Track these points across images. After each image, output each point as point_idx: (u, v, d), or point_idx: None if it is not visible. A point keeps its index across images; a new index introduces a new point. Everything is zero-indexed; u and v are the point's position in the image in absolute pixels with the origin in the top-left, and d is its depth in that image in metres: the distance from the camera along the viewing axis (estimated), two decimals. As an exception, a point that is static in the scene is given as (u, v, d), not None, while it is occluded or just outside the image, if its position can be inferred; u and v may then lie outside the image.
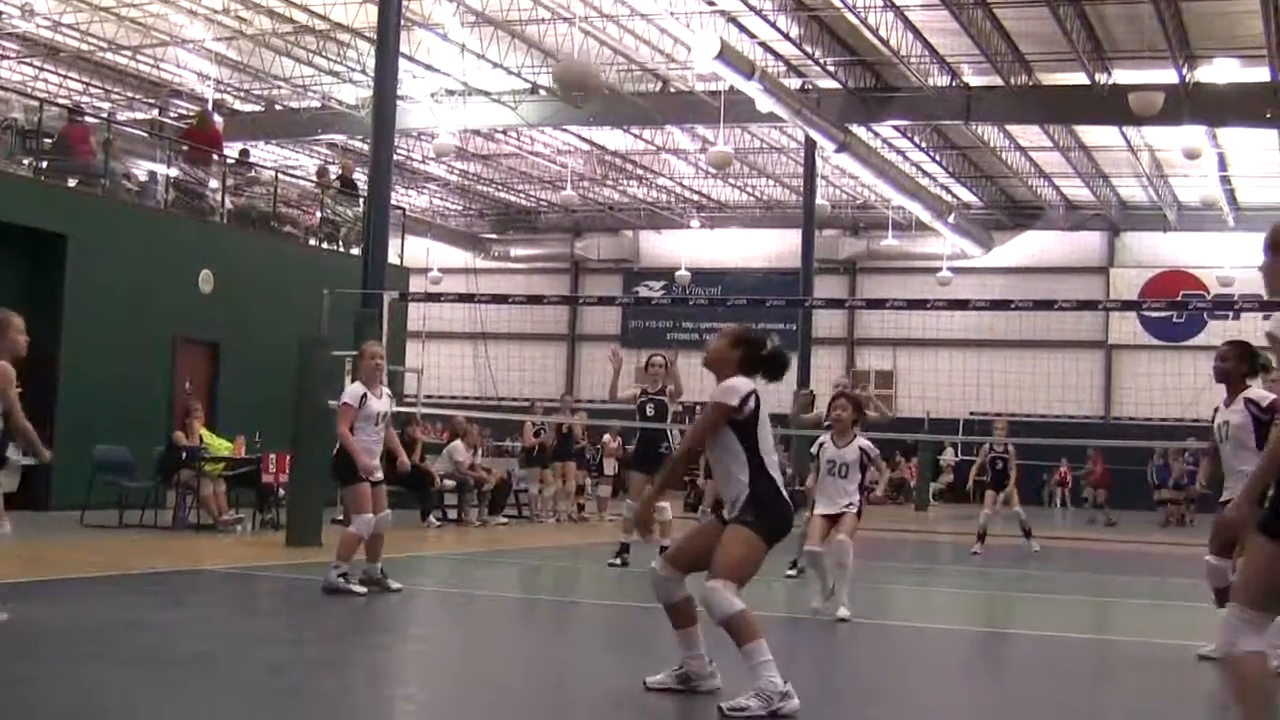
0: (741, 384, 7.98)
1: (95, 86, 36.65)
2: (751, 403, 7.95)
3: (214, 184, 26.53)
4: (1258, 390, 10.36)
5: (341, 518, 13.31)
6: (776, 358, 8.24)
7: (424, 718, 7.95)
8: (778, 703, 7.52)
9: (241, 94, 37.14)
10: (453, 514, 24.39)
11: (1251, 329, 37.45)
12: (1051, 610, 15.17)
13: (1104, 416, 46.24)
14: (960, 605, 15.83)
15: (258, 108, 38.11)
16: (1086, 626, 14.03)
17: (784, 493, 8.09)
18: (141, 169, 25.61)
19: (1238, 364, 10.41)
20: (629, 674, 8.66)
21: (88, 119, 26.27)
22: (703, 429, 8.11)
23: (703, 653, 8.22)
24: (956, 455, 42.63)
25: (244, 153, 30.96)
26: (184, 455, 19.90)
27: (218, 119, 31.64)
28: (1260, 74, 29.35)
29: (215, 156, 26.39)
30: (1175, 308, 43.34)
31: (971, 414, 43.18)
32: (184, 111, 36.08)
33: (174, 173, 25.55)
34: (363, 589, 12.66)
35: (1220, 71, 29.95)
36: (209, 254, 24.53)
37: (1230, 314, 38.62)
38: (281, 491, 19.81)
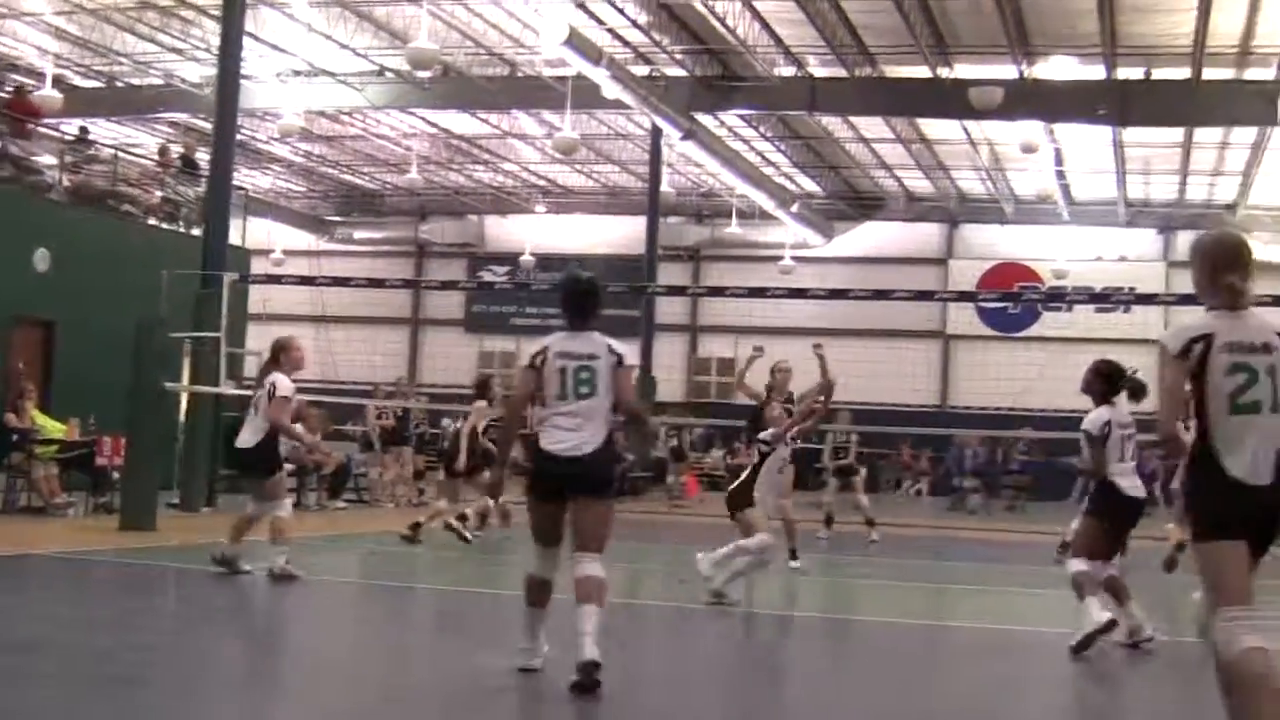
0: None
1: (-72, 59, 35.82)
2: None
3: (51, 161, 26.06)
4: (1092, 415, 11.03)
5: (251, 508, 13.38)
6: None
7: (257, 703, 7.91)
8: None
9: (82, 70, 36.39)
10: (292, 498, 24.16)
11: (1083, 320, 38.42)
12: (890, 596, 15.42)
13: (940, 405, 46.94)
14: (802, 590, 16.03)
15: (98, 84, 37.40)
16: (924, 613, 14.28)
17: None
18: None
19: (1097, 382, 11.17)
20: (463, 657, 8.70)
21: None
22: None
23: None
24: (797, 442, 42.97)
25: (83, 130, 30.43)
26: (15, 438, 19.57)
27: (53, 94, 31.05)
28: (1096, 72, 29.92)
29: (50, 132, 25.92)
30: (1010, 299, 44.06)
31: (811, 402, 43.60)
32: (25, 86, 35.31)
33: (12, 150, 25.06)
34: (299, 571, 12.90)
35: (1057, 68, 30.50)
36: (46, 232, 24.07)
37: (1063, 306, 39.46)
38: (116, 475, 19.54)
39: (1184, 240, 45.55)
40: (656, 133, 36.86)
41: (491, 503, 18.20)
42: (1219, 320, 6.30)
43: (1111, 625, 10.36)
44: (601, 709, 7.95)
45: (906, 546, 21.75)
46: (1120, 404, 11.26)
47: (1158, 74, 30.03)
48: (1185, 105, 30.26)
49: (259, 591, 12.53)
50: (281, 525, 13.11)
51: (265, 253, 44.33)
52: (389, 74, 34.32)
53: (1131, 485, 10.99)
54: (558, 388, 8.58)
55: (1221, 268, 6.43)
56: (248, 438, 13.38)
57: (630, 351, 8.99)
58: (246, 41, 26.48)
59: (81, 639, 9.40)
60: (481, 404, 19.07)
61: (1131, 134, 34.83)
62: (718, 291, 38.02)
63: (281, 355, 13.58)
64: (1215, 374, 6.15)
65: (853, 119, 37.35)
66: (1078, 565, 10.70)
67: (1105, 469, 10.86)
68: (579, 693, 7.90)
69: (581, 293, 9.04)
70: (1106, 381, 11.19)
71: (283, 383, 13.33)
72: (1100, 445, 10.89)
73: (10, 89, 28.80)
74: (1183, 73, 29.36)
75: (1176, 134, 35.36)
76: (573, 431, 8.49)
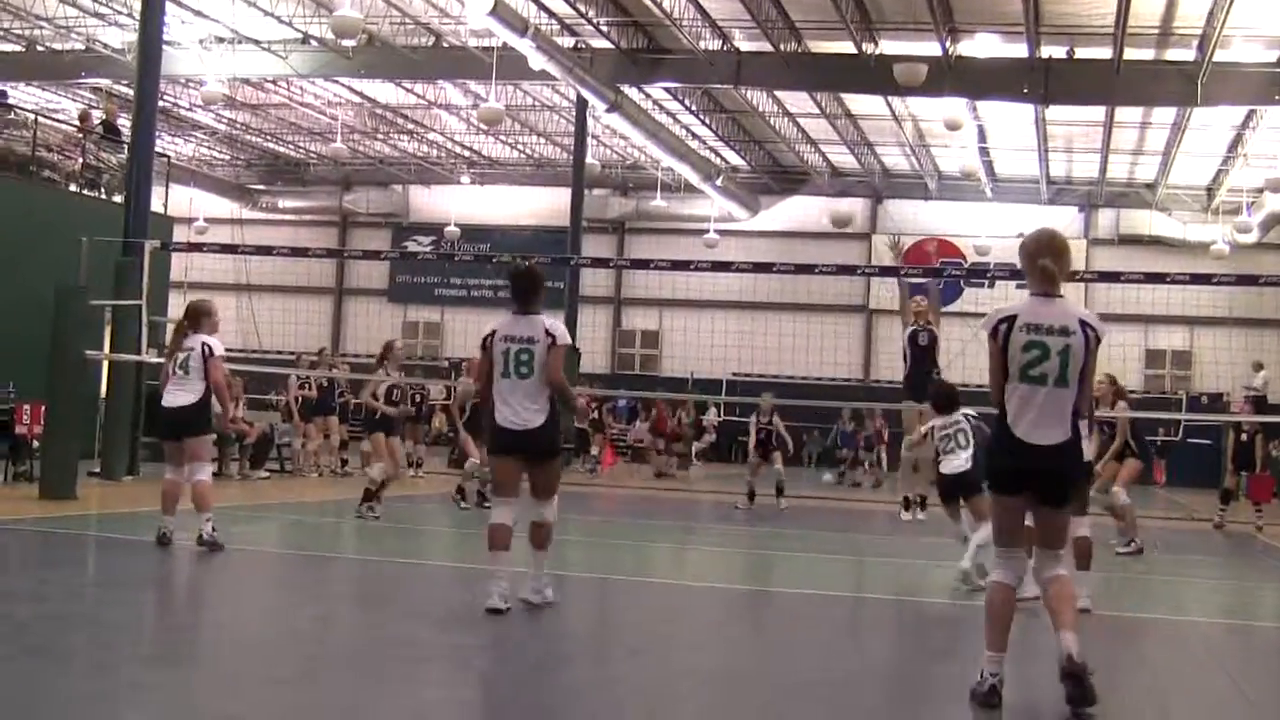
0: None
1: None
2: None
3: (-32, 126, 25.78)
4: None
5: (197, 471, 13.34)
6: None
7: (173, 674, 7.89)
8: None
9: (1, 33, 36.01)
10: (214, 467, 24.06)
11: (1004, 296, 38.66)
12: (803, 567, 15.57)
13: (863, 379, 47.25)
14: (720, 562, 16.15)
15: (18, 48, 36.97)
16: (840, 584, 14.42)
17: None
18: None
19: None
20: (383, 626, 8.72)
21: None
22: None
23: None
24: (720, 415, 43.18)
25: (2, 94, 30.07)
26: (-67, 403, 19.40)
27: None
28: (1019, 50, 30.14)
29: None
30: (933, 274, 44.21)
31: (734, 375, 43.84)
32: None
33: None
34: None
35: (981, 46, 30.71)
36: (-37, 198, 23.82)
37: (985, 282, 39.77)
38: (36, 443, 19.39)
39: (1105, 218, 46.17)
40: (582, 105, 36.87)
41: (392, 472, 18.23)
42: (1025, 304, 7.59)
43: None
44: (525, 675, 8.03)
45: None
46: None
47: (1081, 53, 30.34)
48: (1107, 85, 30.56)
49: (180, 562, 12.49)
50: (205, 490, 13.04)
51: (188, 221, 44.08)
52: (313, 42, 34.12)
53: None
54: (502, 367, 10.03)
55: (1035, 254, 7.65)
56: (185, 397, 13.24)
57: (564, 333, 10.21)
58: (169, 7, 26.28)
59: (-2, 608, 9.34)
60: (380, 372, 18.99)
61: (1054, 112, 35.13)
62: (642, 264, 38.23)
63: (204, 319, 13.50)
64: (1014, 348, 7.49)
65: (778, 93, 37.47)
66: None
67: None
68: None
69: (522, 280, 10.38)
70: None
71: (217, 344, 13.38)
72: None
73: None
74: (1105, 52, 29.65)
75: (1098, 113, 35.70)
76: (519, 408, 10.00)
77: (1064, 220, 46.27)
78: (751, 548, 17.81)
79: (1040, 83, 30.56)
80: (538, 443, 10.07)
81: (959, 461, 13.18)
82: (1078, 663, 7.25)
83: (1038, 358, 7.42)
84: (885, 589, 14.26)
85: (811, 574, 15.00)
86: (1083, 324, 7.52)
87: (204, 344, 13.31)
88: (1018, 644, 7.84)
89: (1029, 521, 7.69)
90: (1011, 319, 7.50)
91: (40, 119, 29.00)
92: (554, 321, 10.31)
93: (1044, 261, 7.58)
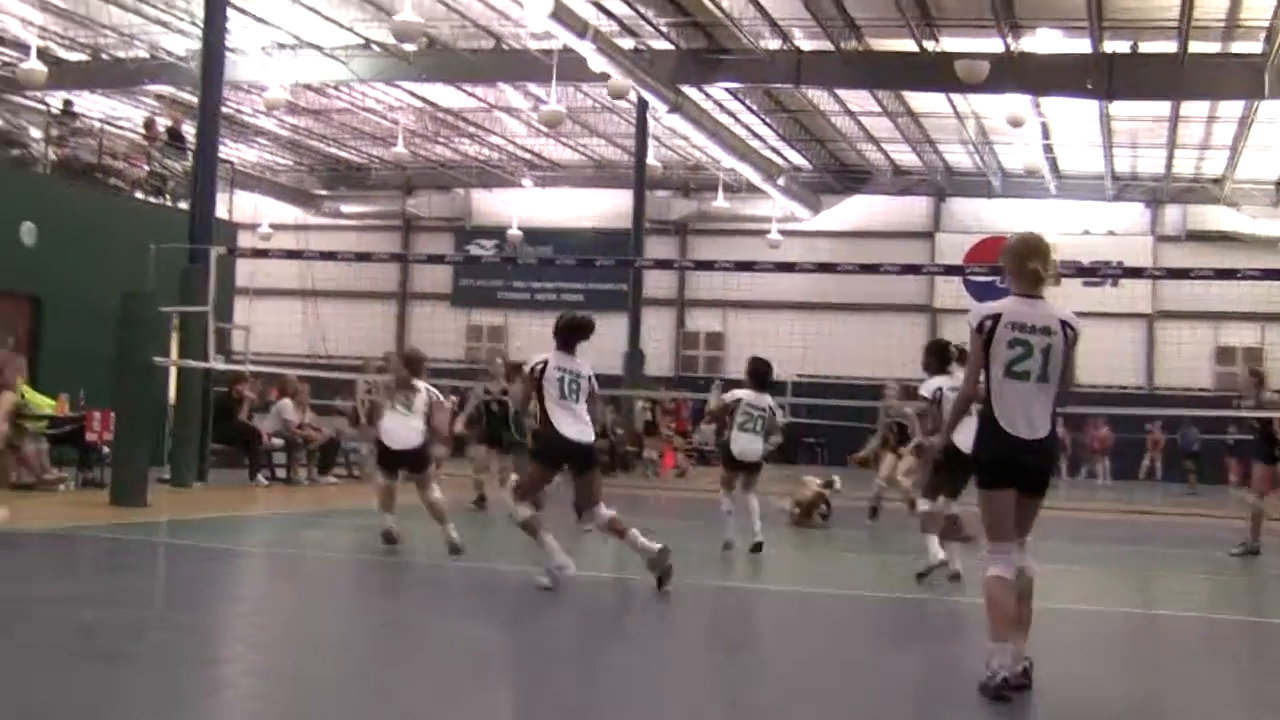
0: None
1: (-89, 33, 35.61)
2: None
3: (36, 134, 25.98)
4: (928, 382, 13.19)
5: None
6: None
7: (245, 679, 7.90)
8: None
9: (67, 42, 36.24)
10: (281, 473, 24.21)
11: (1070, 294, 38.37)
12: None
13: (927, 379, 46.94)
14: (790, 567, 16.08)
15: (84, 57, 37.26)
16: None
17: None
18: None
19: (928, 358, 13.48)
20: (460, 633, 8.70)
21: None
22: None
23: None
24: (785, 416, 42.99)
25: (68, 103, 30.33)
26: (4, 412, 19.51)
27: (38, 66, 30.95)
28: (1082, 45, 29.90)
29: (36, 105, 25.81)
30: (998, 273, 43.75)
31: (799, 376, 43.67)
32: (6, 59, 35.15)
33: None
34: None
35: (1044, 42, 30.46)
36: (31, 206, 23.95)
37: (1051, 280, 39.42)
38: (106, 450, 19.50)
39: (1171, 214, 45.74)
40: (643, 106, 36.84)
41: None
42: (1011, 303, 7.94)
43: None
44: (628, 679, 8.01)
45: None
46: (956, 374, 12.69)
47: (1145, 47, 30.05)
48: (1172, 79, 30.25)
49: (248, 568, 12.53)
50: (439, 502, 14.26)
51: (252, 227, 44.32)
52: (374, 47, 34.21)
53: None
54: (558, 391, 11.55)
55: (1025, 256, 8.00)
56: (414, 439, 14.25)
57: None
58: (231, 14, 26.42)
59: (67, 614, 9.38)
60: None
61: (1118, 108, 34.84)
62: (705, 265, 38.09)
63: (422, 366, 14.83)
64: (999, 346, 7.83)
65: (839, 92, 37.32)
66: (924, 505, 13.04)
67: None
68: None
69: (584, 332, 11.86)
70: (937, 356, 13.36)
71: (436, 392, 14.76)
72: (938, 407, 12.75)
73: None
74: (1170, 46, 29.37)
75: (1164, 108, 35.39)
76: (579, 423, 11.60)
77: (1130, 217, 45.99)
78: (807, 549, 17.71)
79: (1104, 78, 30.27)
80: (590, 452, 11.82)
81: (755, 449, 14.79)
82: (1029, 675, 7.73)
83: (1021, 355, 7.81)
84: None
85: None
86: (1063, 324, 7.92)
87: (429, 391, 14.43)
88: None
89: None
90: (997, 316, 7.87)
91: (106, 127, 29.25)
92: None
93: (1033, 265, 7.96)
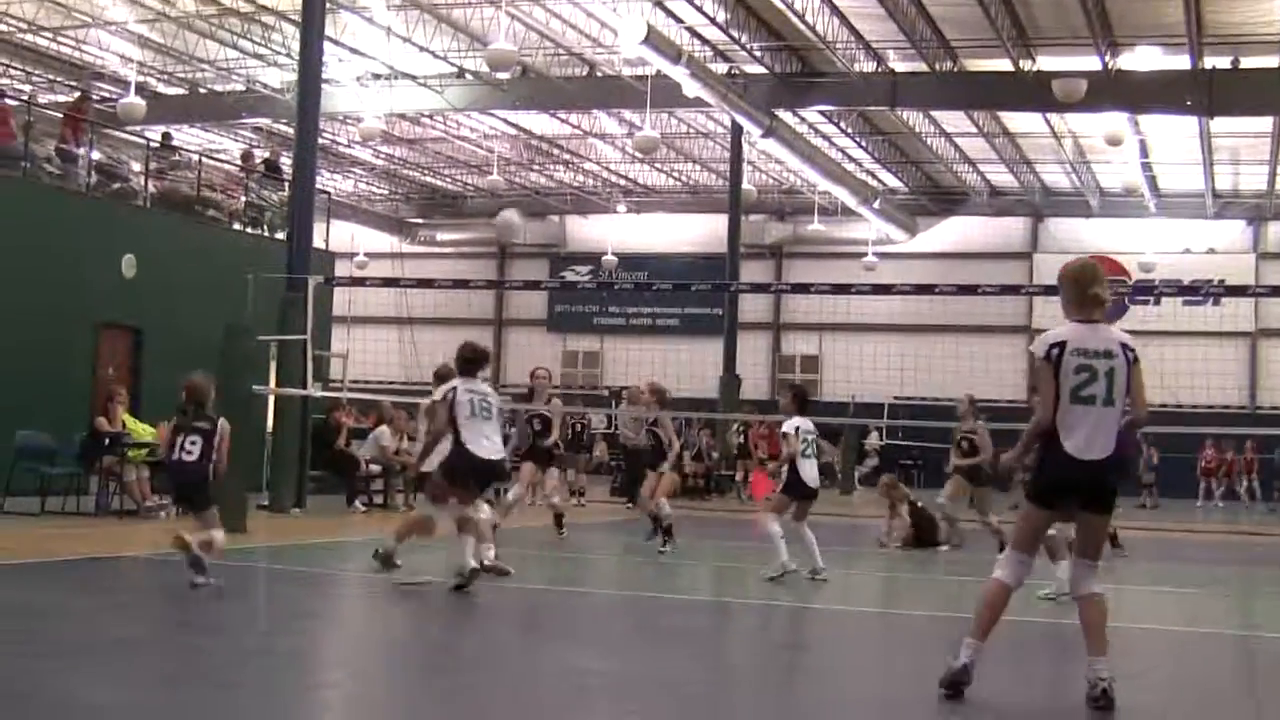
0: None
1: (15, 69, 36.16)
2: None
3: (136, 167, 26.27)
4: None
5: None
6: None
7: (349, 704, 7.91)
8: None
9: (165, 77, 36.75)
10: (378, 499, 24.30)
11: (1171, 313, 37.98)
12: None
13: (1027, 401, 46.50)
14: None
15: (182, 91, 37.77)
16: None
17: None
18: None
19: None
20: (541, 656, 8.63)
21: (8, 101, 25.91)
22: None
23: None
24: (881, 439, 42.79)
25: (166, 136, 30.68)
26: (107, 441, 19.71)
27: (137, 101, 31.35)
28: (1181, 62, 29.60)
29: (135, 138, 26.08)
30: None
31: (896, 398, 43.40)
32: (106, 94, 35.64)
33: (97, 156, 25.25)
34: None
35: (1142, 59, 30.20)
36: (132, 238, 24.20)
37: (1151, 299, 39.01)
38: (206, 478, 19.60)
39: (1275, 231, 45.07)
40: (737, 130, 36.81)
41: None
42: (1073, 330, 8.10)
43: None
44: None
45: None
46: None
47: (1246, 63, 29.69)
48: (1274, 94, 29.88)
49: (346, 593, 12.54)
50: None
51: (349, 256, 44.63)
52: (468, 76, 34.45)
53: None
54: (469, 410, 12.63)
55: (1088, 283, 8.19)
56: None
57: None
58: (327, 46, 26.64)
59: (175, 639, 9.45)
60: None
61: (1219, 124, 34.39)
62: (802, 289, 37.95)
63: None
64: (1065, 372, 7.99)
65: (934, 113, 37.15)
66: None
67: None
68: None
69: (474, 359, 13.35)
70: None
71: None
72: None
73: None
74: (1271, 61, 29.05)
75: (1266, 123, 34.96)
76: (489, 442, 12.67)
77: (1232, 234, 45.38)
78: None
79: (1204, 94, 29.92)
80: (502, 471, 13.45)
81: (814, 474, 14.69)
82: (1110, 695, 7.69)
83: (1087, 380, 7.97)
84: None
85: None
86: (1123, 346, 8.12)
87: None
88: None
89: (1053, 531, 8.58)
90: (1063, 344, 8.04)
91: (204, 159, 29.55)
92: None
93: (1095, 290, 8.15)
